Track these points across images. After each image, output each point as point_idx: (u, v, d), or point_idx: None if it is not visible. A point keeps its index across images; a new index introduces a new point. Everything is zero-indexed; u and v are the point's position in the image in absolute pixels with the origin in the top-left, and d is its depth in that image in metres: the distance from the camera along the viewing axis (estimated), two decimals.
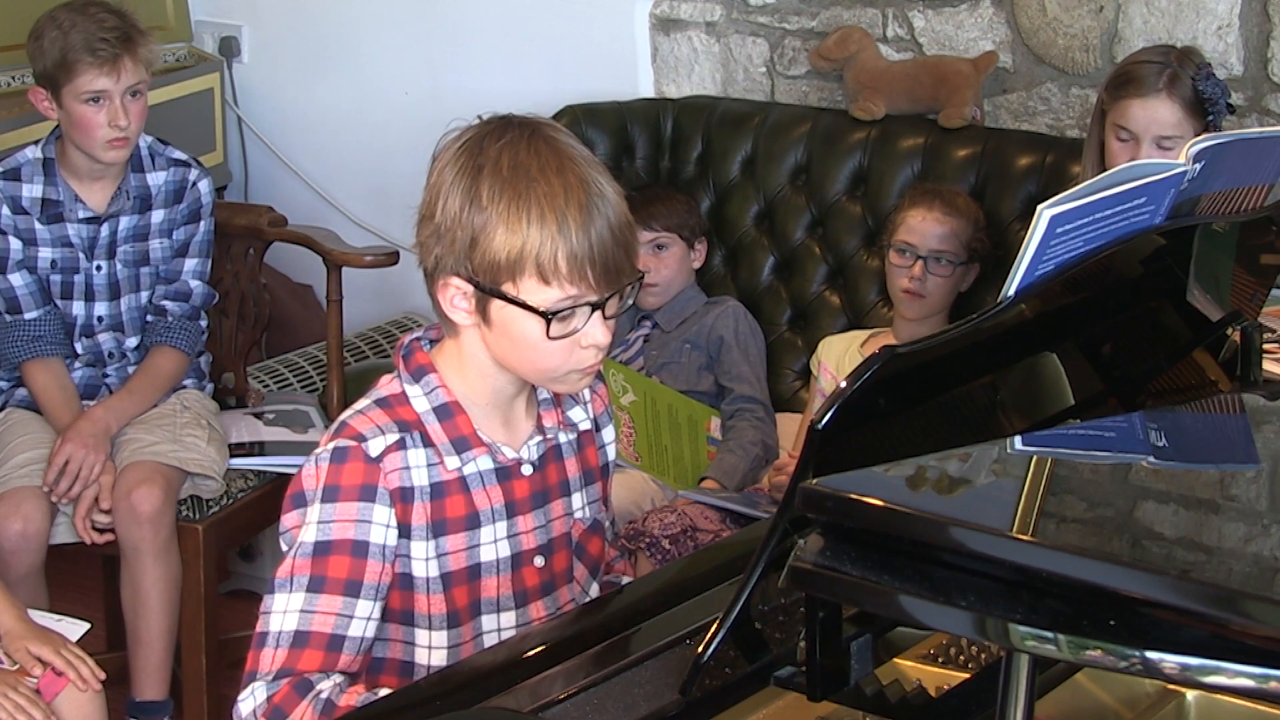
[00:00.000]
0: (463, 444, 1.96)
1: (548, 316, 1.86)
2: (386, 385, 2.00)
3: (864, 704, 1.52)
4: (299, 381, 4.05)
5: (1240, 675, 1.20)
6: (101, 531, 3.12)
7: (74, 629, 2.73)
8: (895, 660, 1.64)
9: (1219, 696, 1.63)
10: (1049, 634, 1.24)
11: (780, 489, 3.18)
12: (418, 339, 2.03)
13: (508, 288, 1.87)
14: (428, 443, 1.94)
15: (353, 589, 1.89)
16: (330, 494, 1.90)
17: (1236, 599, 1.24)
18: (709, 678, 1.54)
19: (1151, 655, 1.22)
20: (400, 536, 1.93)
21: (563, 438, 2.06)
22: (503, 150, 1.86)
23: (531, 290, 1.86)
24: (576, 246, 1.84)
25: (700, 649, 1.52)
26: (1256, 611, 1.21)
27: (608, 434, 2.14)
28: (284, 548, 1.95)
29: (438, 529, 1.94)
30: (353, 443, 1.91)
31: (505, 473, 1.99)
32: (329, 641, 1.88)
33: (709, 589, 1.80)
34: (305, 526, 1.91)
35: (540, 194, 1.84)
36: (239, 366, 3.58)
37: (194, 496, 3.22)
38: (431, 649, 1.97)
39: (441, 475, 1.95)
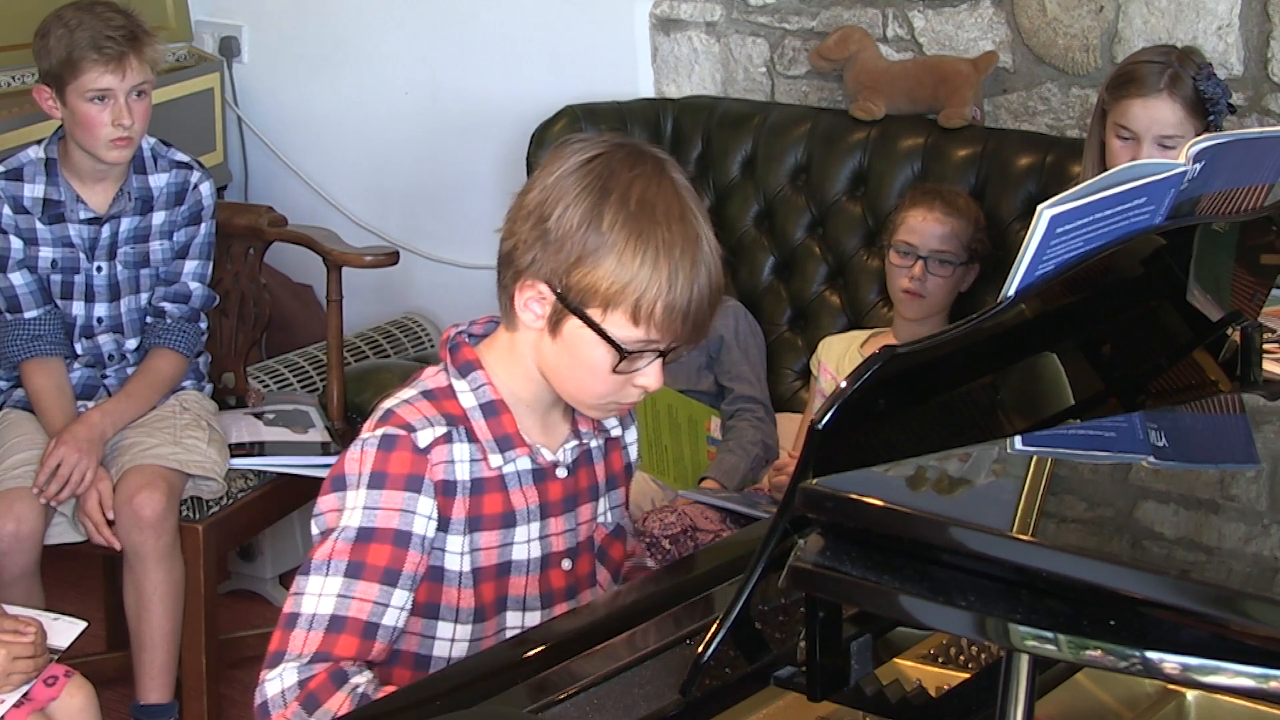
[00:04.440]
0: (506, 443, 1.97)
1: (623, 353, 1.89)
2: (432, 378, 2.00)
3: (864, 704, 1.52)
4: (299, 381, 4.06)
5: (1240, 675, 1.20)
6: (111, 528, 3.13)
7: (70, 628, 2.72)
8: (895, 660, 1.64)
9: (1219, 696, 1.63)
10: (1049, 634, 1.24)
11: (780, 489, 3.18)
12: (461, 332, 2.03)
13: (594, 313, 1.88)
14: (472, 438, 1.96)
15: (391, 578, 1.90)
16: (377, 480, 1.91)
17: (1236, 599, 1.24)
18: (709, 678, 1.54)
19: (1151, 655, 1.22)
20: (438, 529, 1.93)
21: (593, 443, 2.07)
22: (633, 182, 1.87)
23: (618, 325, 1.88)
24: (678, 298, 1.86)
25: (700, 649, 1.52)
26: (1256, 611, 1.21)
27: (630, 435, 2.16)
28: (315, 530, 1.95)
29: (473, 524, 1.95)
30: (402, 431, 1.92)
31: (541, 474, 2.01)
32: (364, 629, 1.89)
33: (709, 589, 1.80)
34: (348, 511, 1.91)
35: (660, 239, 1.86)
36: (239, 367, 3.58)
37: (194, 497, 3.22)
38: (454, 642, 1.98)
39: (483, 472, 1.96)
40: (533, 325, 1.93)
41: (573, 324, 1.90)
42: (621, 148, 1.91)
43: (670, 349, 1.92)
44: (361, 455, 1.92)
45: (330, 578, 1.89)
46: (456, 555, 1.95)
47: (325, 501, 1.94)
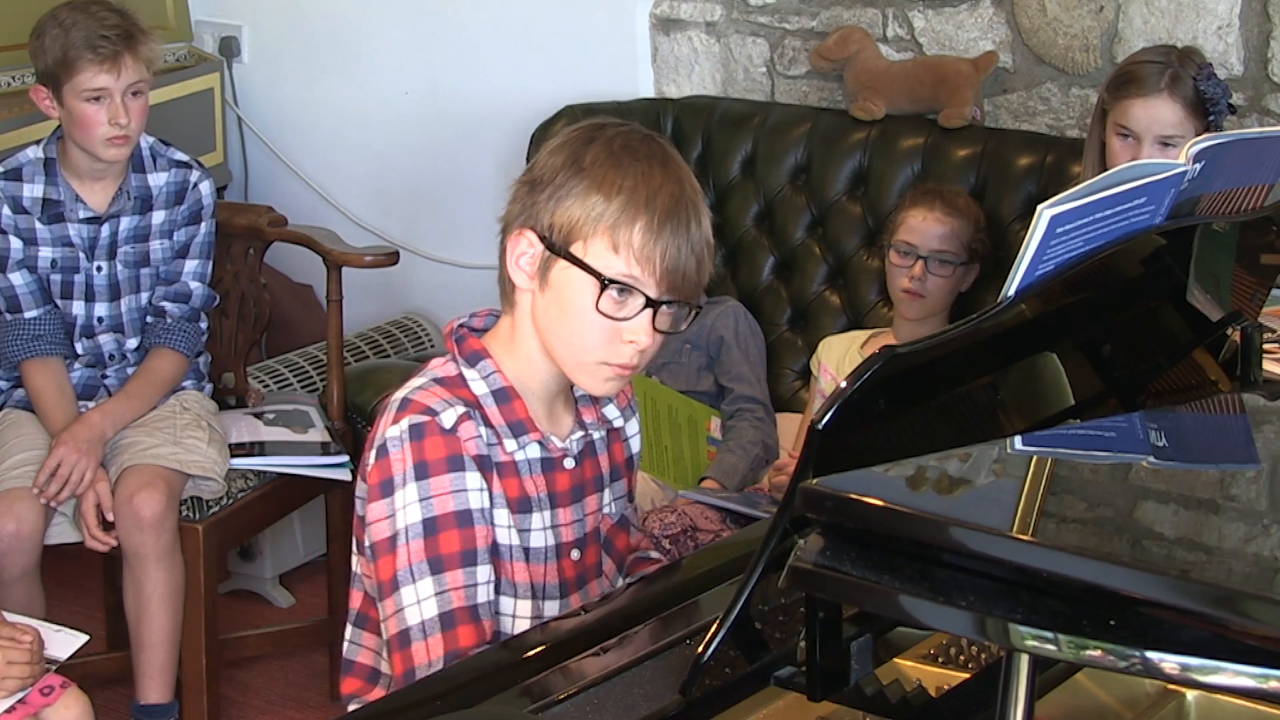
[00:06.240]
0: (519, 428, 1.99)
1: (604, 282, 1.89)
2: (440, 367, 2.02)
3: (864, 704, 1.52)
4: (299, 381, 4.05)
5: (1240, 675, 1.20)
6: (107, 530, 3.12)
7: (71, 640, 2.70)
8: (895, 660, 1.64)
9: (1219, 696, 1.63)
10: (1049, 634, 1.24)
11: (780, 489, 3.18)
12: (463, 325, 2.05)
13: (576, 248, 1.91)
14: (487, 423, 1.97)
15: (469, 558, 1.92)
16: (421, 471, 1.92)
17: (1236, 599, 1.24)
18: (709, 678, 1.54)
19: (1151, 655, 1.21)
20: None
21: (596, 434, 2.09)
22: (618, 134, 1.94)
23: (598, 254, 1.90)
24: (655, 231, 1.89)
25: (700, 649, 1.52)
26: (1256, 611, 1.21)
27: (631, 427, 2.17)
28: (368, 540, 1.95)
29: (496, 502, 1.97)
30: (425, 417, 1.93)
31: (549, 464, 2.02)
32: (471, 614, 1.91)
33: (709, 589, 1.80)
34: (404, 509, 1.91)
35: (639, 172, 1.90)
36: (239, 366, 3.58)
37: (194, 497, 3.22)
38: None
39: (500, 456, 1.98)
40: (526, 287, 1.96)
41: (559, 268, 1.92)
42: (612, 117, 1.99)
43: (658, 302, 1.91)
44: (403, 453, 1.92)
45: (419, 582, 1.90)
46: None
47: (376, 509, 1.94)
